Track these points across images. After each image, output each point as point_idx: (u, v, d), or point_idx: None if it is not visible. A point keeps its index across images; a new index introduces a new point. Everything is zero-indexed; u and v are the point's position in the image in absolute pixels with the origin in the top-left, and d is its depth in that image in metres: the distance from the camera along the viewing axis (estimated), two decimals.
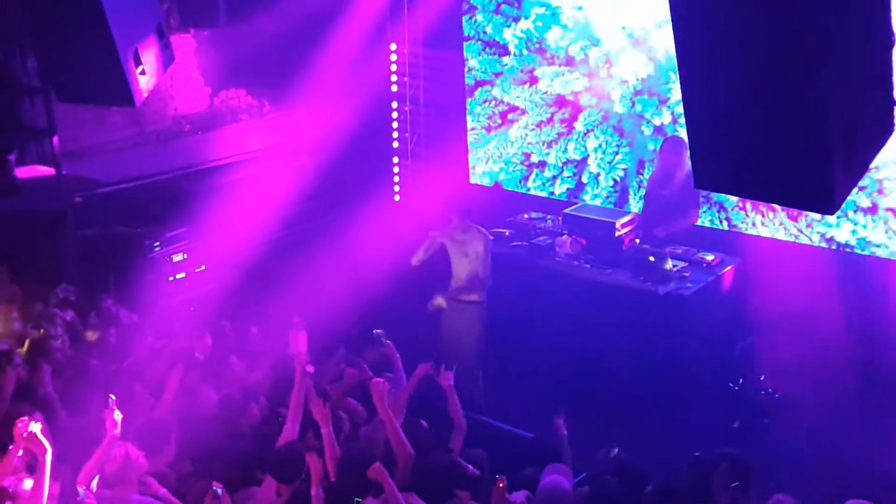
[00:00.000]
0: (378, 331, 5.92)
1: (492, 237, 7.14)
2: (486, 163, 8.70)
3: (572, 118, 7.87)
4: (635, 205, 7.87)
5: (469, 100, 8.55)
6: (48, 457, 4.31)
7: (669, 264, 6.93)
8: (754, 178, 3.15)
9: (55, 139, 7.61)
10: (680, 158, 7.10)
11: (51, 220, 7.75)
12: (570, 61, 7.72)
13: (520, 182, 8.44)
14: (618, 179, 7.87)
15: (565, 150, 7.93)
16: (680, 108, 7.44)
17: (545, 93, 7.87)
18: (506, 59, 8.19)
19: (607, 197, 7.95)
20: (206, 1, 9.02)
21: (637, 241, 7.26)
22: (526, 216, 8.15)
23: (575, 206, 7.86)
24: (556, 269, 7.31)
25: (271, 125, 9.75)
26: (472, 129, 8.65)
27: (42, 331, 6.17)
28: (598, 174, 7.91)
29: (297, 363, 5.13)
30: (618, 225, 7.20)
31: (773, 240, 7.55)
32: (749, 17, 2.87)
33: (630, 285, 6.94)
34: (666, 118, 7.65)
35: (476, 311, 7.11)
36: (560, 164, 8.08)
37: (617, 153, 7.87)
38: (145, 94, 6.20)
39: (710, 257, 7.13)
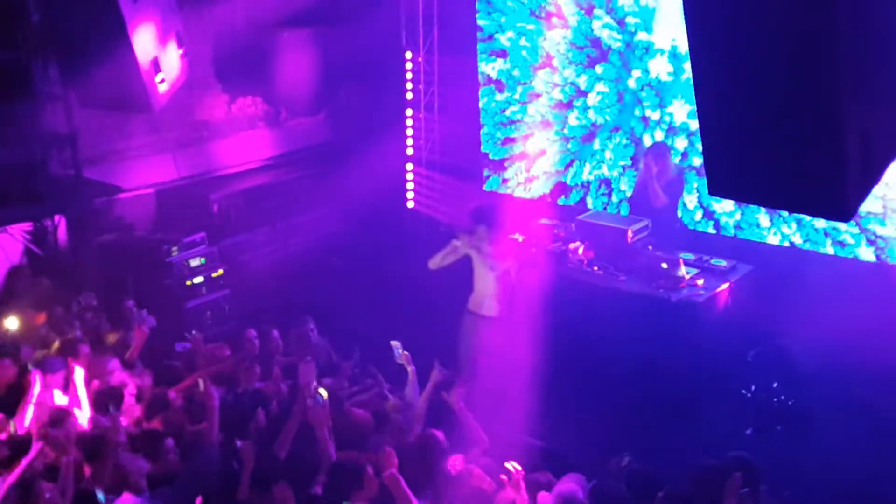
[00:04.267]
0: (395, 342, 5.89)
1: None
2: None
3: (596, 60, 8.29)
4: (600, 143, 8.46)
5: None
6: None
7: (682, 271, 6.95)
8: (767, 185, 3.16)
9: (76, 145, 7.69)
10: (664, 163, 7.35)
11: (71, 226, 7.84)
12: (621, 24, 8.07)
13: (531, 68, 8.73)
14: (596, 122, 8.44)
15: (578, 75, 8.43)
16: (668, 117, 7.92)
17: (592, 28, 8.24)
18: None
19: (582, 124, 8.58)
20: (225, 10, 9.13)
21: (650, 247, 7.29)
22: (539, 222, 8.19)
23: (588, 214, 7.91)
24: (568, 276, 7.33)
25: (288, 132, 9.83)
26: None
27: (65, 335, 6.25)
28: (589, 109, 8.47)
29: (303, 394, 5.15)
30: (630, 232, 7.23)
31: (785, 247, 7.56)
32: (762, 22, 2.90)
33: (642, 292, 6.96)
34: (654, 115, 8.13)
35: (500, 327, 6.84)
36: (568, 80, 8.49)
37: (608, 107, 8.35)
38: (164, 102, 6.30)
39: (722, 264, 7.15)
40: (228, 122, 9.31)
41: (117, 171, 8.31)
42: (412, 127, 9.86)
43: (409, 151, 9.92)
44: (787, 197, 3.19)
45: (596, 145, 8.46)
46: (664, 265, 6.98)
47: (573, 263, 7.43)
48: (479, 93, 9.14)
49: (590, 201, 8.65)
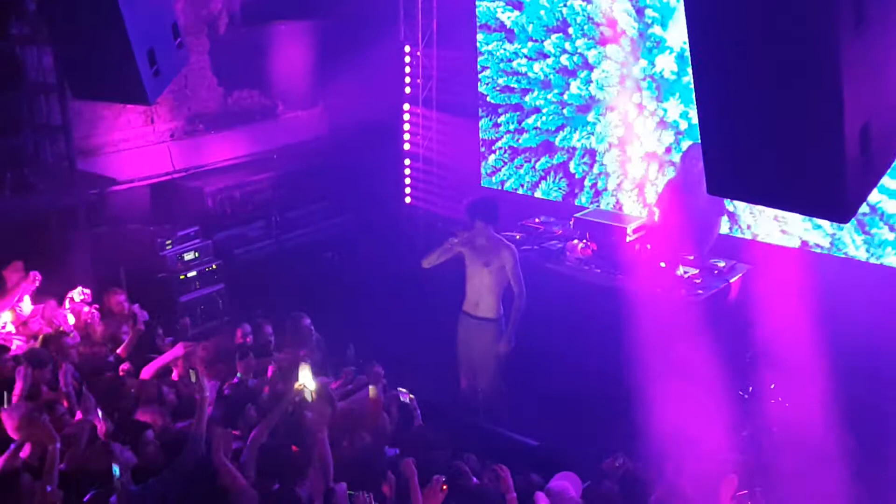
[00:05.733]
0: (402, 389, 5.84)
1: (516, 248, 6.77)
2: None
3: (608, 40, 8.43)
4: (593, 117, 8.54)
5: None
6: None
7: (680, 270, 6.91)
8: (767, 184, 3.13)
9: (70, 136, 7.63)
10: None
11: (64, 218, 7.79)
12: (640, 13, 8.18)
13: (545, 28, 8.81)
14: (595, 96, 8.58)
15: (589, 48, 8.59)
16: (662, 111, 8.01)
17: (612, 8, 8.34)
18: None
19: (582, 94, 8.71)
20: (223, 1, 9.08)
21: (648, 247, 7.24)
22: (537, 220, 8.16)
23: (586, 211, 7.87)
24: (566, 274, 7.30)
25: (284, 126, 9.77)
26: None
27: (56, 329, 6.21)
28: (591, 83, 8.62)
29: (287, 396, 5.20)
30: (629, 230, 7.19)
31: (784, 247, 7.52)
32: (762, 19, 2.86)
33: (641, 291, 6.92)
34: (650, 106, 8.25)
35: (494, 329, 6.74)
36: (578, 50, 8.66)
37: (609, 86, 8.48)
38: (160, 93, 6.23)
39: (721, 264, 7.11)
40: (224, 115, 9.25)
41: (111, 163, 8.26)
42: (410, 122, 9.81)
43: (407, 146, 9.87)
44: (787, 196, 3.16)
45: (590, 117, 8.61)
46: (662, 264, 6.94)
47: (571, 262, 7.39)
48: (488, 36, 9.16)
49: (572, 166, 8.75)
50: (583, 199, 8.70)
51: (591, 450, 5.96)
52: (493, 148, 9.32)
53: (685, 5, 2.96)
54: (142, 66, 6.05)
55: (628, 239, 7.20)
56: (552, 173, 8.91)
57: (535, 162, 9.01)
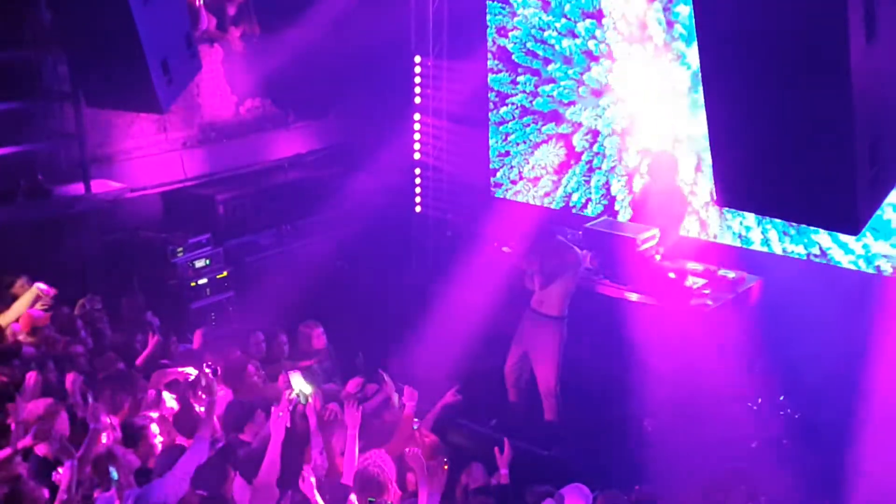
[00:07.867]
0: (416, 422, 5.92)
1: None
2: None
3: (634, 40, 8.56)
4: (606, 102, 8.70)
5: None
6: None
7: (690, 281, 6.92)
8: (777, 197, 3.15)
9: (84, 144, 7.69)
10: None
11: (77, 224, 7.84)
12: (670, 25, 8.30)
13: (581, 11, 8.85)
14: (612, 85, 8.69)
15: (616, 42, 8.65)
16: (666, 116, 8.06)
17: (644, 12, 8.43)
18: None
19: (599, 79, 8.82)
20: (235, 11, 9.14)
21: (658, 257, 7.25)
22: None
23: (596, 221, 7.88)
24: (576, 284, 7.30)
25: (295, 135, 9.82)
26: None
27: (67, 335, 6.24)
28: (611, 72, 8.75)
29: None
30: (639, 241, 7.20)
31: (794, 259, 7.52)
32: (773, 37, 2.88)
33: (649, 302, 6.93)
34: (658, 109, 8.39)
35: (557, 327, 6.83)
36: (606, 40, 8.72)
37: (626, 81, 8.61)
38: (172, 102, 6.29)
39: (731, 275, 7.12)
40: (236, 124, 9.31)
41: (124, 171, 8.31)
42: (420, 131, 9.85)
43: (417, 156, 9.91)
44: (797, 208, 3.18)
45: (603, 101, 8.73)
46: (672, 275, 6.95)
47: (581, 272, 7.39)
48: (525, 0, 9.19)
49: (575, 139, 8.87)
50: (577, 170, 8.83)
51: (600, 457, 5.97)
52: (507, 102, 9.38)
53: (696, 21, 2.99)
54: (155, 75, 6.12)
55: (638, 249, 7.20)
56: (554, 140, 9.02)
57: (542, 125, 9.12)
